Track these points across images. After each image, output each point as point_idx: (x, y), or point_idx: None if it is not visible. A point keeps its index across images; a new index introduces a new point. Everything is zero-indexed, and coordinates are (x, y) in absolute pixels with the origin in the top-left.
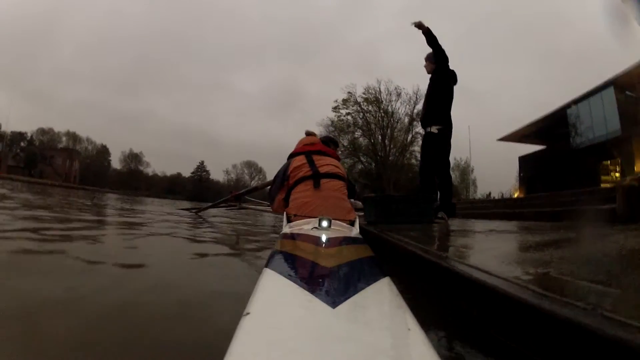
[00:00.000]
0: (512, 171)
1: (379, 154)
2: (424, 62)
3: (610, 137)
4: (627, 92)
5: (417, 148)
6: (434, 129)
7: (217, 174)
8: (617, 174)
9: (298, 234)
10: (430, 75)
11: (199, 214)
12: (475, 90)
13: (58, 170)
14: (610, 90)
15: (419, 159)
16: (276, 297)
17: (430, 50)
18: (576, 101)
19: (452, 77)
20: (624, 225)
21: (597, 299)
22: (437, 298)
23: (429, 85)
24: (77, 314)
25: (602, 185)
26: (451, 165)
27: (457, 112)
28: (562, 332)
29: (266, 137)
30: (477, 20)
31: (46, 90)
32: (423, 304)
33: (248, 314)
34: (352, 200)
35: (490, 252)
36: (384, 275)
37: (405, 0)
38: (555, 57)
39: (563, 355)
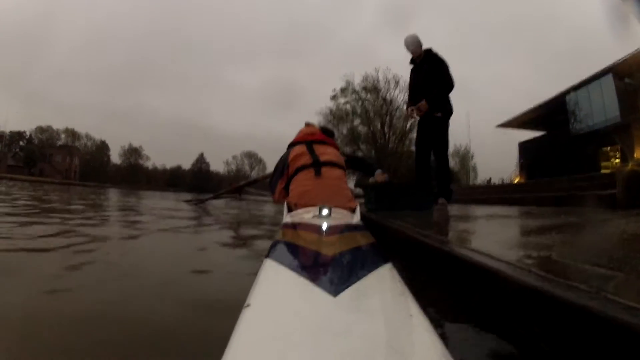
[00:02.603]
0: (512, 157)
1: (379, 141)
2: (408, 47)
3: (610, 123)
4: (626, 79)
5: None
6: (438, 114)
7: (217, 165)
8: (617, 160)
9: (299, 223)
10: (416, 60)
11: (200, 205)
12: (473, 79)
13: (58, 168)
14: (609, 78)
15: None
16: (277, 287)
17: (412, 33)
18: (575, 88)
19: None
20: (625, 211)
21: (600, 282)
22: (440, 283)
23: (424, 73)
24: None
25: (602, 171)
26: (451, 151)
27: (456, 99)
28: (566, 315)
29: (265, 128)
30: (472, 9)
31: (43, 88)
32: (425, 289)
33: (249, 305)
34: (352, 187)
35: (491, 237)
36: (386, 262)
37: None
38: (552, 49)
39: (566, 338)
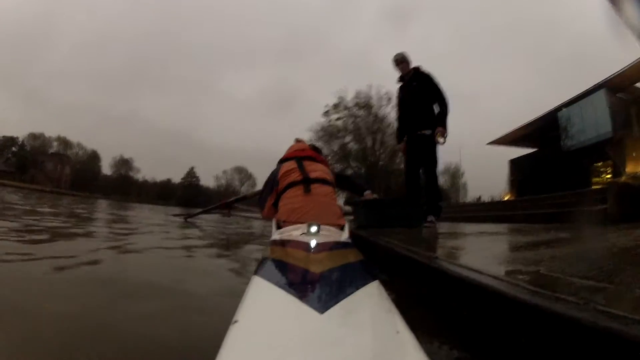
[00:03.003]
0: (503, 175)
1: (369, 158)
2: (397, 64)
3: (602, 139)
4: (619, 95)
5: None
6: (427, 132)
7: (207, 180)
8: (609, 176)
9: (287, 240)
10: (404, 77)
11: (189, 220)
12: (464, 95)
13: (49, 176)
14: (601, 93)
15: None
16: (265, 304)
17: (400, 51)
18: (567, 104)
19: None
20: (616, 225)
21: (590, 294)
22: (428, 299)
23: (413, 91)
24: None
25: (594, 187)
26: (441, 169)
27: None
28: (555, 327)
29: (256, 143)
30: (466, 21)
31: (35, 92)
32: (413, 305)
33: (236, 322)
34: (341, 204)
35: (481, 253)
36: (374, 279)
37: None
38: (551, 55)
39: (556, 350)
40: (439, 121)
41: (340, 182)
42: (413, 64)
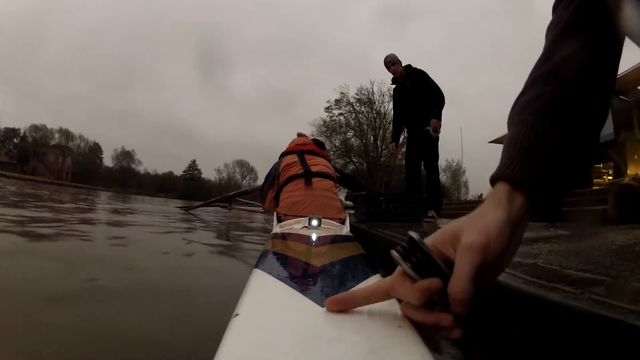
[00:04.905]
0: None
1: (371, 154)
2: (388, 67)
3: (603, 140)
4: (621, 97)
5: None
6: (428, 127)
7: (208, 173)
8: (610, 177)
9: (288, 234)
10: (397, 79)
11: (191, 212)
12: (466, 94)
13: (50, 167)
14: None
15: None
16: (266, 297)
17: (390, 52)
18: None
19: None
20: (615, 226)
21: (586, 285)
22: None
23: (408, 90)
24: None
25: (594, 187)
26: (442, 166)
27: (449, 114)
28: (551, 317)
29: (257, 137)
30: (466, 20)
31: (36, 84)
32: None
33: (237, 315)
34: (343, 199)
35: None
36: (375, 273)
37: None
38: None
39: (551, 341)
40: (432, 114)
41: (346, 182)
42: (408, 63)
